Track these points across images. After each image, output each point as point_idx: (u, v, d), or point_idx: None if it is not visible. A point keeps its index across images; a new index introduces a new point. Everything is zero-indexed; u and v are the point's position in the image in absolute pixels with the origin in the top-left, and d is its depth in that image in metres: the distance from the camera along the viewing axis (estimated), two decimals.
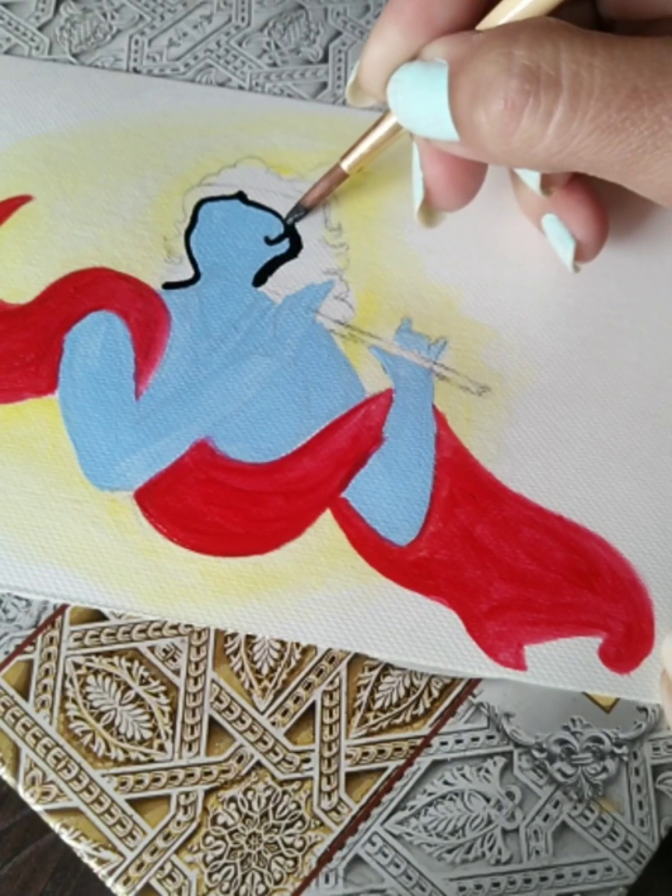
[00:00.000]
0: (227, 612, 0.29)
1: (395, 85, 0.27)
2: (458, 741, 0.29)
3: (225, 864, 0.27)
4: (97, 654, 0.29)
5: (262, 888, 0.27)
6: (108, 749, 0.28)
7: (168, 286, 0.34)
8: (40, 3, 0.40)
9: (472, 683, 0.29)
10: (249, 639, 0.30)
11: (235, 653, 0.29)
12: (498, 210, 0.35)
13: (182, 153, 0.37)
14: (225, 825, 0.28)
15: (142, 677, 0.29)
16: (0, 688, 0.29)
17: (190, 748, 0.28)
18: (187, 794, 0.28)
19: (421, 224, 0.31)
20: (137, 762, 0.28)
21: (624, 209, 0.32)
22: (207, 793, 0.28)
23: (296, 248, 0.35)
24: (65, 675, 0.29)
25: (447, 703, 0.29)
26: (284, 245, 0.35)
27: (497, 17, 0.26)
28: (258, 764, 0.28)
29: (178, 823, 0.28)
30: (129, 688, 0.29)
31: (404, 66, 0.27)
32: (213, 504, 0.31)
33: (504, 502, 0.31)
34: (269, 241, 0.35)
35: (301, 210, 0.35)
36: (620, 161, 0.25)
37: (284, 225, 0.35)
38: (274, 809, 0.28)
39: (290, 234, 0.35)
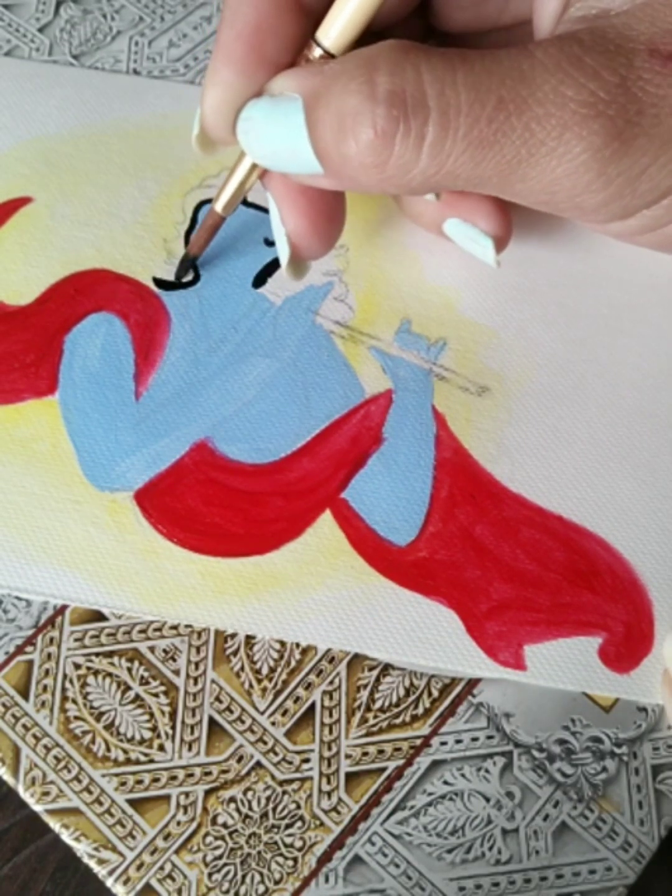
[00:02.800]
0: (226, 612, 0.29)
1: (245, 124, 0.27)
2: (458, 741, 0.29)
3: (225, 864, 0.27)
4: (97, 655, 0.29)
5: (261, 888, 0.27)
6: (108, 749, 0.28)
7: (167, 286, 0.34)
8: (40, 5, 0.40)
9: (472, 683, 0.29)
10: (249, 639, 0.30)
11: (235, 653, 0.29)
12: None
13: (182, 155, 0.37)
14: (225, 825, 0.28)
15: (142, 677, 0.29)
16: (0, 688, 0.29)
17: (190, 748, 0.28)
18: (187, 794, 0.28)
19: (291, 277, 0.31)
20: (137, 762, 0.28)
21: None
22: (207, 793, 0.28)
23: None
24: (65, 676, 0.29)
25: (447, 703, 0.29)
26: None
27: (327, 37, 0.26)
28: (258, 764, 0.28)
29: (178, 823, 0.28)
30: (129, 688, 0.29)
31: (252, 103, 0.26)
32: (213, 504, 0.31)
33: (504, 502, 0.31)
34: (268, 243, 0.35)
35: (189, 260, 0.34)
36: (497, 174, 0.25)
37: (176, 279, 0.35)
38: (274, 809, 0.28)
39: None
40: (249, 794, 0.28)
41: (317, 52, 0.26)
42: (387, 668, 0.30)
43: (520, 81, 0.24)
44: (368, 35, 0.26)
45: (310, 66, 0.26)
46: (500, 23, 0.30)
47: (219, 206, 0.31)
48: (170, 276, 0.34)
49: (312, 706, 0.29)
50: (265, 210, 0.36)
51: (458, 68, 0.24)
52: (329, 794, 0.28)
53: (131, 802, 0.28)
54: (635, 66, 0.24)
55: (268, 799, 0.28)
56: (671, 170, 0.25)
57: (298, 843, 0.28)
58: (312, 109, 0.25)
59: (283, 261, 0.30)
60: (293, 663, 0.29)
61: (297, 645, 0.30)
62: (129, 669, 0.29)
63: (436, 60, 0.24)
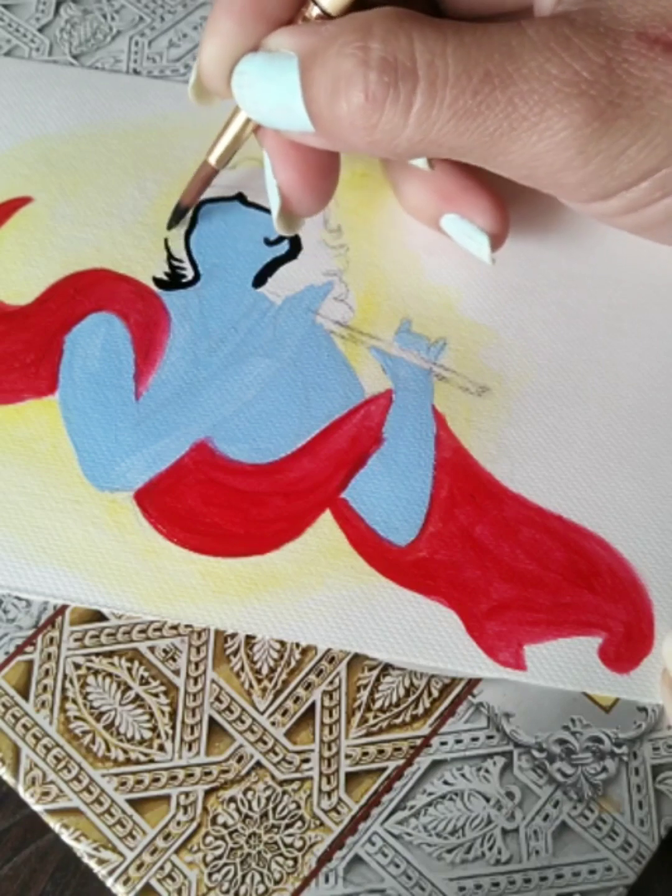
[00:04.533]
0: (226, 612, 0.29)
1: (240, 78, 0.27)
2: (458, 741, 0.29)
3: (225, 864, 0.27)
4: (97, 655, 0.29)
5: (261, 888, 0.27)
6: (108, 749, 0.28)
7: (167, 286, 0.34)
8: (40, 5, 0.40)
9: (472, 683, 0.29)
10: (249, 639, 0.30)
11: (235, 653, 0.29)
12: None
13: (182, 155, 0.37)
14: (225, 825, 0.28)
15: (142, 677, 0.29)
16: (0, 688, 0.29)
17: (190, 748, 0.28)
18: (187, 794, 0.28)
19: (281, 231, 0.31)
20: (137, 762, 0.28)
21: None
22: (207, 793, 0.28)
23: (295, 249, 0.35)
24: (65, 676, 0.29)
25: (447, 703, 0.29)
26: (284, 246, 0.35)
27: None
28: (258, 764, 0.28)
29: (178, 823, 0.28)
30: (129, 688, 0.29)
31: (247, 57, 0.27)
32: (213, 505, 0.31)
33: (504, 502, 0.31)
34: (268, 243, 0.35)
35: (181, 210, 0.34)
36: (480, 145, 0.25)
37: (169, 229, 0.35)
38: (274, 809, 0.28)
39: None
40: (249, 794, 0.28)
41: (314, 12, 0.27)
42: (387, 668, 0.30)
43: (507, 56, 0.24)
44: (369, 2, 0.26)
45: (307, 26, 0.26)
46: (504, 7, 0.30)
47: (212, 159, 0.31)
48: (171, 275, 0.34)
49: (312, 706, 0.29)
50: (265, 210, 0.36)
51: (450, 40, 0.24)
52: (329, 794, 0.28)
53: (131, 802, 0.28)
54: (622, 48, 0.24)
55: (268, 799, 0.28)
56: (650, 152, 0.25)
57: (298, 843, 0.28)
58: (307, 69, 0.25)
59: (274, 214, 0.30)
60: (293, 663, 0.29)
61: (297, 645, 0.30)
62: (129, 669, 0.29)
63: (428, 30, 0.25)
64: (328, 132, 0.26)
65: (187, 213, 0.35)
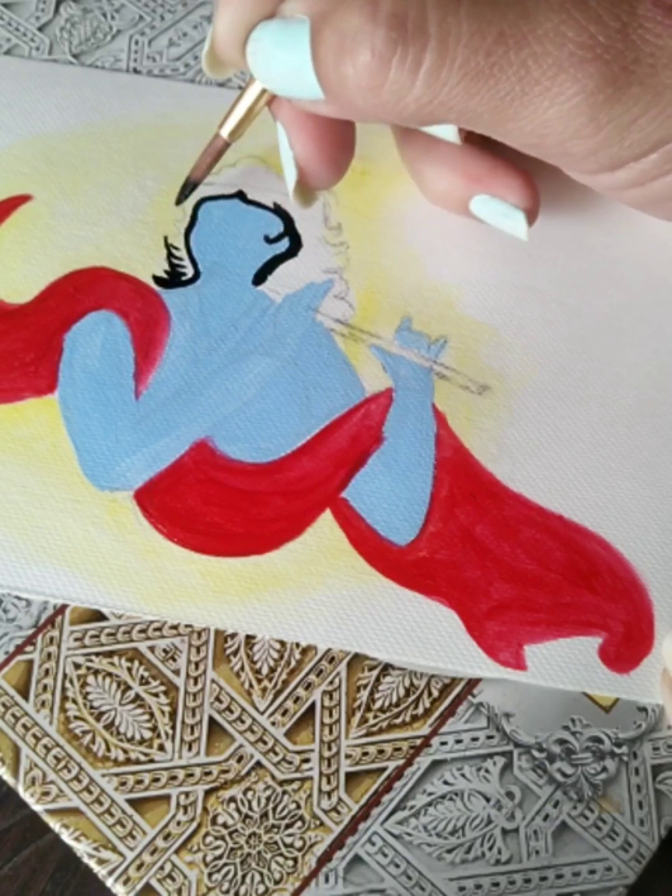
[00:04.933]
0: (226, 612, 0.29)
1: (254, 45, 0.27)
2: (458, 741, 0.29)
3: (225, 864, 0.27)
4: (97, 654, 0.29)
5: (261, 888, 0.27)
6: (108, 749, 0.28)
7: (167, 284, 0.34)
8: (40, 4, 0.40)
9: (472, 683, 0.29)
10: (249, 639, 0.30)
11: (235, 653, 0.29)
12: None
13: (182, 153, 0.37)
14: (225, 825, 0.28)
15: (142, 677, 0.29)
16: (0, 688, 0.29)
17: (190, 748, 0.28)
18: (187, 794, 0.28)
19: (298, 204, 0.31)
20: (137, 762, 0.28)
21: (624, 209, 0.32)
22: (207, 793, 0.28)
23: (295, 246, 0.35)
24: (65, 675, 0.29)
25: (447, 703, 0.29)
26: (284, 244, 0.35)
27: None
28: (258, 764, 0.28)
29: (178, 823, 0.28)
30: (129, 688, 0.29)
31: (262, 24, 0.26)
32: (213, 504, 0.31)
33: (504, 502, 0.31)
34: (268, 240, 0.35)
35: (190, 184, 0.34)
36: (490, 109, 0.25)
37: (177, 204, 0.34)
38: (274, 809, 0.28)
39: (290, 232, 0.35)
40: (249, 794, 0.28)
41: None
42: (387, 668, 0.29)
43: (523, 17, 0.24)
44: None
45: None
46: None
47: (224, 131, 0.31)
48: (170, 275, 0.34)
49: (312, 706, 0.29)
50: (265, 207, 0.36)
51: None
52: (329, 794, 0.28)
53: (131, 802, 0.28)
54: (638, 13, 0.24)
55: (268, 799, 0.28)
56: (662, 122, 0.25)
57: (298, 843, 0.28)
58: (318, 31, 0.25)
59: (290, 187, 0.30)
60: (293, 663, 0.29)
61: (297, 645, 0.30)
62: (129, 669, 0.29)
63: None
64: (336, 96, 0.26)
65: (196, 187, 0.34)
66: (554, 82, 0.24)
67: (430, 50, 0.24)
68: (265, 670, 0.29)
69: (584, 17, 0.24)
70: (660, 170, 0.26)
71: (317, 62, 0.25)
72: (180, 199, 0.34)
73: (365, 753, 0.29)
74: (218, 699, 0.29)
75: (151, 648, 0.29)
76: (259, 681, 0.29)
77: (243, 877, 0.27)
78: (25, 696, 0.29)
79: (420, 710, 0.29)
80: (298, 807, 0.28)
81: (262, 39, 0.26)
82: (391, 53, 0.24)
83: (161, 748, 0.28)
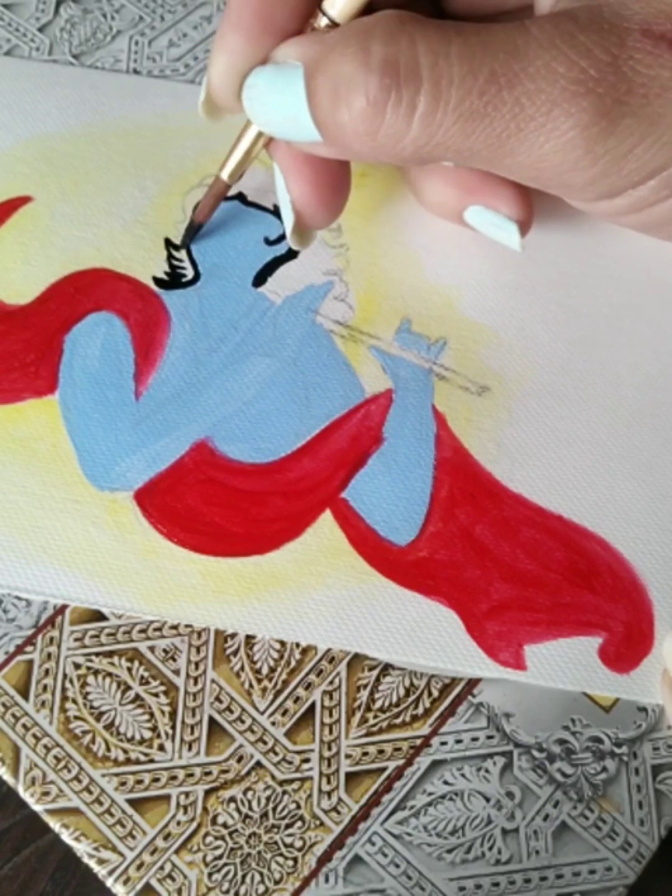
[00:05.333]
0: (227, 612, 0.29)
1: (250, 91, 0.27)
2: (458, 741, 0.29)
3: (225, 864, 0.27)
4: (97, 654, 0.29)
5: (261, 888, 0.27)
6: (108, 749, 0.28)
7: (167, 286, 0.34)
8: (40, 4, 0.40)
9: (472, 683, 0.29)
10: (249, 639, 0.30)
11: (235, 653, 0.29)
12: None
13: (181, 154, 0.37)
14: (225, 825, 0.28)
15: (142, 677, 0.29)
16: (0, 688, 0.29)
17: (190, 748, 0.28)
18: (187, 794, 0.28)
19: (295, 245, 0.31)
20: (137, 762, 0.28)
21: None
22: (207, 793, 0.28)
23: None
24: (65, 675, 0.29)
25: (447, 703, 0.29)
26: (284, 246, 0.35)
27: (333, 6, 0.26)
28: (258, 764, 0.28)
29: (178, 823, 0.28)
30: (129, 688, 0.29)
31: (256, 70, 0.27)
32: (213, 504, 0.31)
33: (504, 502, 0.31)
34: (268, 242, 0.35)
35: (194, 228, 0.34)
36: (487, 147, 0.25)
37: (182, 247, 0.35)
38: (274, 809, 0.28)
39: None
40: (249, 794, 0.28)
41: (323, 22, 0.26)
42: (387, 668, 0.30)
43: (513, 56, 0.24)
44: (376, 8, 0.26)
45: (313, 35, 0.26)
46: (506, 7, 0.30)
47: (224, 174, 0.31)
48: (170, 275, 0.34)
49: (312, 706, 0.29)
50: (265, 209, 0.36)
51: (453, 40, 0.24)
52: (329, 794, 0.28)
53: (131, 802, 0.28)
54: (627, 45, 0.24)
55: (268, 799, 0.28)
56: (658, 150, 0.25)
57: (298, 843, 0.28)
58: (312, 77, 0.25)
59: (288, 229, 0.30)
60: (293, 663, 0.29)
61: (297, 645, 0.30)
62: (129, 669, 0.29)
63: (431, 31, 0.24)
64: (334, 140, 0.26)
65: (200, 230, 0.35)
66: (548, 118, 0.24)
67: (423, 93, 0.24)
68: (265, 670, 0.29)
69: (574, 53, 0.24)
70: (657, 196, 0.26)
71: (313, 108, 0.25)
72: (185, 241, 0.35)
73: (365, 753, 0.29)
74: (218, 699, 0.29)
75: (151, 648, 0.29)
76: (259, 681, 0.29)
77: (243, 877, 0.27)
78: (25, 696, 0.29)
79: (420, 710, 0.29)
80: (298, 807, 0.28)
81: (257, 85, 0.27)
82: (386, 99, 0.24)
83: (161, 748, 0.28)
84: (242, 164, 0.31)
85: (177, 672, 0.29)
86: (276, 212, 0.36)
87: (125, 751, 0.28)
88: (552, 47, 0.24)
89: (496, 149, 0.25)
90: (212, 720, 0.29)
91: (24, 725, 0.28)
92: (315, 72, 0.25)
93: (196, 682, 0.29)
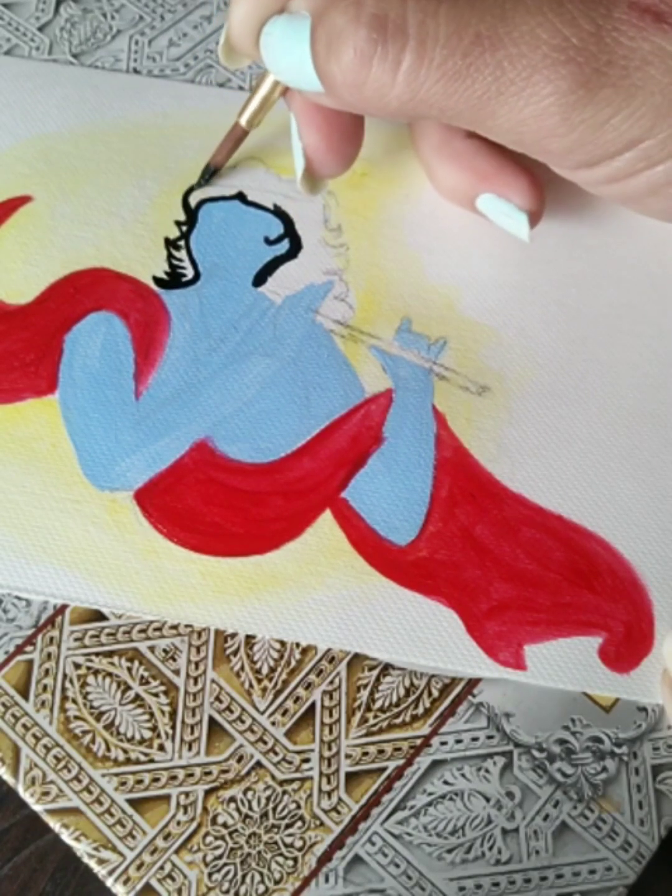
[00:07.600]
0: (227, 612, 0.29)
1: (266, 38, 0.28)
2: (458, 741, 0.29)
3: (225, 864, 0.27)
4: (97, 654, 0.29)
5: (261, 888, 0.27)
6: (108, 749, 0.28)
7: (167, 285, 0.34)
8: (40, 4, 0.40)
9: (472, 683, 0.29)
10: (249, 639, 0.30)
11: (235, 653, 0.29)
12: None
13: (182, 154, 0.37)
14: (225, 825, 0.28)
15: (142, 677, 0.29)
16: (0, 688, 0.29)
17: (190, 748, 0.28)
18: (187, 794, 0.28)
19: (304, 192, 0.32)
20: (137, 762, 0.28)
21: (623, 210, 0.32)
22: (207, 793, 0.28)
23: (295, 248, 0.35)
24: (65, 675, 0.29)
25: (447, 703, 0.29)
26: (284, 245, 0.35)
27: None
28: (258, 764, 0.28)
29: (178, 823, 0.28)
30: (129, 688, 0.29)
31: (273, 19, 0.28)
32: (213, 504, 0.31)
33: (504, 502, 0.31)
34: (268, 242, 0.35)
35: (210, 170, 0.36)
36: (469, 108, 0.26)
37: (198, 187, 0.36)
38: (274, 809, 0.28)
39: (290, 234, 0.35)
40: (249, 794, 0.28)
41: None
42: (387, 668, 0.29)
43: (499, 19, 0.25)
44: None
45: None
46: None
47: (243, 120, 0.33)
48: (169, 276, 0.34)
49: (312, 706, 0.29)
50: (265, 208, 0.36)
51: (444, 0, 0.25)
52: (329, 793, 0.28)
53: (131, 802, 0.28)
54: (613, 16, 0.25)
55: (268, 799, 0.28)
56: (633, 123, 0.25)
57: (298, 843, 0.28)
58: (315, 28, 0.26)
59: (298, 174, 0.31)
60: (293, 663, 0.29)
61: (297, 645, 0.30)
62: (129, 669, 0.29)
63: None
64: (330, 90, 0.27)
65: (216, 173, 0.36)
66: (528, 83, 0.25)
67: (408, 50, 0.25)
68: (265, 670, 0.29)
69: (559, 20, 0.24)
70: (634, 167, 0.27)
71: (313, 57, 0.26)
72: (200, 183, 0.36)
73: (365, 753, 0.29)
74: (218, 699, 0.29)
75: (151, 648, 0.29)
76: (259, 681, 0.29)
77: (243, 877, 0.27)
78: (25, 696, 0.29)
79: (420, 710, 0.29)
80: (298, 807, 0.28)
81: (272, 33, 0.27)
82: (372, 53, 0.25)
83: (161, 748, 0.28)
84: (260, 111, 0.32)
85: (177, 672, 0.29)
86: (276, 212, 0.36)
87: (125, 751, 0.28)
88: (538, 13, 0.24)
89: (478, 110, 0.26)
90: (212, 720, 0.29)
91: (24, 725, 0.28)
92: (316, 22, 0.26)
93: (196, 682, 0.29)
